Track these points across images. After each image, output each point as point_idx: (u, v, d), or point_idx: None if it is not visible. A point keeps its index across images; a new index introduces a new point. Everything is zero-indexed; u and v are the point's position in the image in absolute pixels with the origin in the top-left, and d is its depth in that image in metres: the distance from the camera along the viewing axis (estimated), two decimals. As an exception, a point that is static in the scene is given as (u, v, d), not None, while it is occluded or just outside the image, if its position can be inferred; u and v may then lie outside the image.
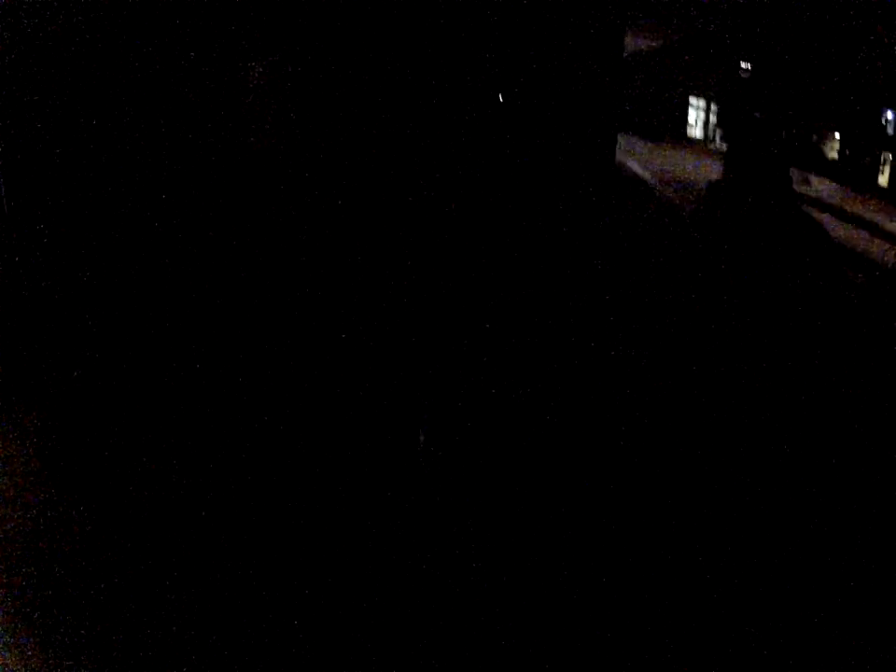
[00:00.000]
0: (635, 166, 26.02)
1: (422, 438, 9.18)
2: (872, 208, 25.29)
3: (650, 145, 30.30)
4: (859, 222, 23.49)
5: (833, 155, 27.24)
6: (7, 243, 11.75)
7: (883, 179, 29.52)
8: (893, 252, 21.76)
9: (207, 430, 8.95)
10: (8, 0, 11.72)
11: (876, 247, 22.03)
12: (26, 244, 11.74)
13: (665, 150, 30.19)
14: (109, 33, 12.23)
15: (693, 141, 33.14)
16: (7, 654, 5.52)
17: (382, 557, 7.25)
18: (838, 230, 22.33)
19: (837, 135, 26.28)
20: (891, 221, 25.07)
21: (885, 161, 28.74)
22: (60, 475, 7.93)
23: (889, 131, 28.25)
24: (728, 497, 8.61)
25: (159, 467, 8.26)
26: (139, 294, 11.45)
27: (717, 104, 30.59)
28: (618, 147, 22.30)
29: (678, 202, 23.29)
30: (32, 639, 5.64)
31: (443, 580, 6.99)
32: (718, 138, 32.15)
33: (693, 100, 31.62)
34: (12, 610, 5.87)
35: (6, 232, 11.93)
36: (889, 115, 28.02)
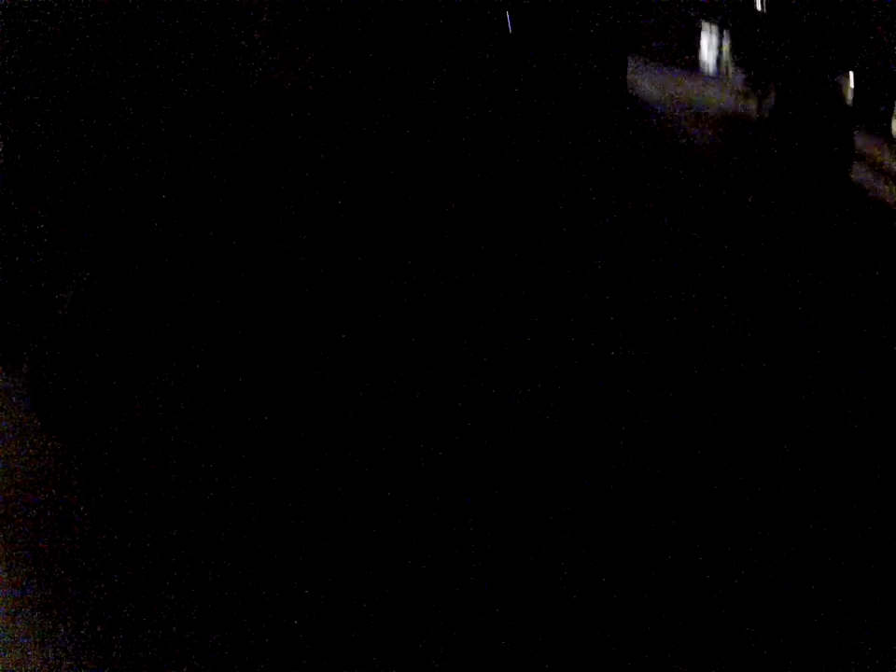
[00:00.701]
0: (646, 89, 25.52)
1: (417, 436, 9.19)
2: (886, 155, 25.13)
3: (661, 69, 29.96)
4: (872, 168, 23.09)
5: (848, 98, 26.68)
6: (8, 240, 11.75)
7: (897, 127, 29.36)
8: None
9: (208, 430, 8.98)
10: (9, 0, 11.73)
11: (888, 194, 21.94)
12: (27, 241, 11.74)
13: (677, 75, 29.89)
14: (109, 32, 12.23)
15: (705, 67, 32.96)
16: (7, 654, 5.54)
17: (382, 557, 7.28)
18: (854, 175, 22.02)
19: (852, 78, 25.99)
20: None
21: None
22: (60, 475, 7.95)
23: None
24: (736, 497, 8.63)
25: (159, 466, 8.28)
26: (139, 291, 11.46)
27: (731, 30, 30.43)
28: (629, 70, 21.97)
29: (692, 127, 22.80)
30: (32, 639, 5.66)
31: (443, 580, 7.02)
32: (732, 65, 32.01)
33: (705, 24, 31.45)
34: (12, 610, 5.89)
35: (5, 230, 11.93)
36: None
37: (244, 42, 12.68)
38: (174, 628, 5.96)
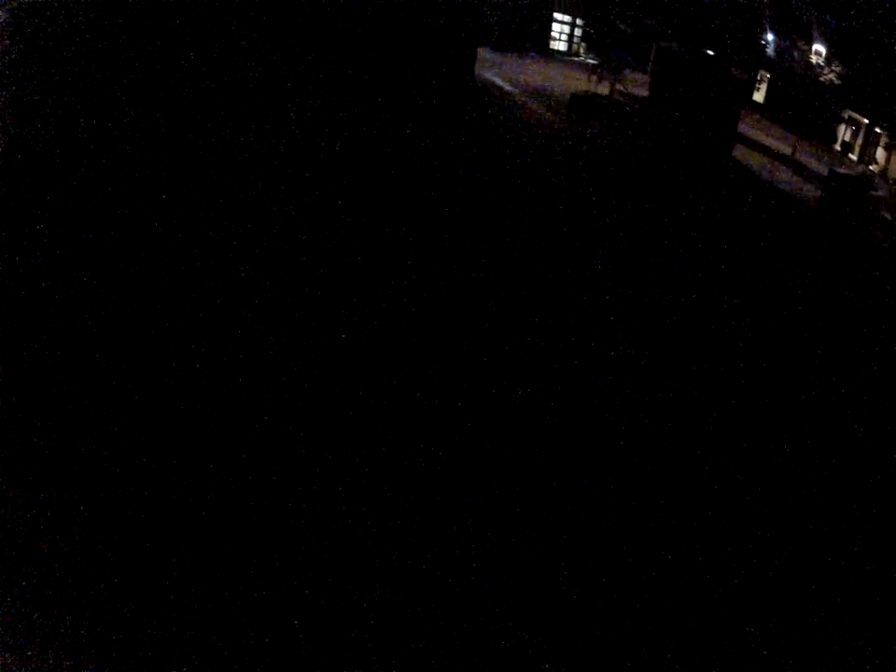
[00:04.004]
0: (496, 79, 25.66)
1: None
2: (747, 122, 26.36)
3: (512, 58, 30.19)
4: (737, 137, 24.38)
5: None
6: (6, 240, 11.71)
7: (759, 96, 30.10)
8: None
9: (207, 430, 8.93)
10: (9, 0, 11.70)
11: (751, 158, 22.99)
12: (26, 242, 11.70)
13: (527, 63, 30.13)
14: (108, 32, 12.20)
15: (556, 54, 33.30)
16: (7, 654, 5.52)
17: (381, 557, 7.24)
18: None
19: (711, 53, 26.46)
20: (765, 135, 28.00)
21: (762, 79, 29.39)
22: (60, 475, 7.91)
23: (769, 52, 28.62)
24: (731, 495, 8.59)
25: (159, 467, 8.24)
26: (139, 291, 11.41)
27: (582, 18, 31.01)
28: (478, 60, 22.42)
29: (541, 112, 23.08)
30: (32, 639, 5.64)
31: (443, 580, 6.98)
32: (582, 51, 32.50)
33: (557, 14, 31.74)
34: (12, 610, 5.87)
35: (4, 230, 11.89)
36: (769, 37, 28.52)
37: (243, 42, 12.54)
38: (174, 628, 5.94)
